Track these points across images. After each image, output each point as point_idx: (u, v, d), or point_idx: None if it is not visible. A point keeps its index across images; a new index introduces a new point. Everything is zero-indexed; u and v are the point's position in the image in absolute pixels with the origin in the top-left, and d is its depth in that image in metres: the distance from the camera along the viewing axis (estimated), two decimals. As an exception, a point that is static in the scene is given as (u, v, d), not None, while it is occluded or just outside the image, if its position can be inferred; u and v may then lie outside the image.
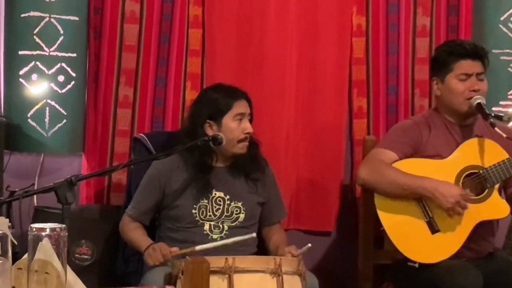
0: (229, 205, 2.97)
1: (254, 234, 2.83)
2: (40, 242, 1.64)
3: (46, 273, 1.63)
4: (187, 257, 2.39)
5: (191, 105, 3.09)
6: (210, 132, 2.93)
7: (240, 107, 2.94)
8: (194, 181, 2.95)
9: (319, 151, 3.70)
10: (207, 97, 3.01)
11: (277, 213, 3.14)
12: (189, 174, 2.96)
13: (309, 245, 2.68)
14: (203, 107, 2.98)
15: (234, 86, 3.03)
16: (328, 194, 3.70)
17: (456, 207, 2.88)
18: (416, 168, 2.99)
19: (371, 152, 3.14)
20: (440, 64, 3.09)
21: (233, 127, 2.92)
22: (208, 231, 2.93)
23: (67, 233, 1.67)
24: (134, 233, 2.97)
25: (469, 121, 3.10)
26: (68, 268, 1.72)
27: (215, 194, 2.97)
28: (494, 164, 2.97)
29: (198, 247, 2.72)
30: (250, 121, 2.98)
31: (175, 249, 2.75)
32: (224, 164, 3.01)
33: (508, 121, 3.06)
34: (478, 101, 2.99)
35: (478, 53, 3.05)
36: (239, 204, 2.98)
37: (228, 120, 2.92)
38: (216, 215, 2.95)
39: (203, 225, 2.93)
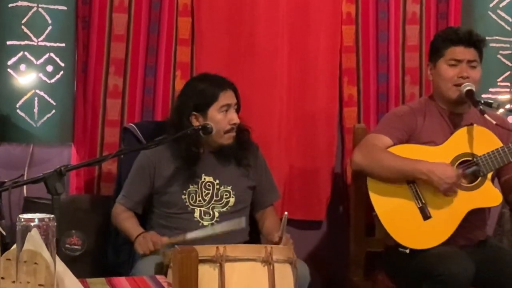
0: (218, 189, 2.96)
1: (243, 223, 2.78)
2: (28, 233, 1.63)
3: (35, 263, 1.62)
4: (176, 246, 2.38)
5: (177, 97, 3.07)
6: (196, 123, 2.90)
7: (226, 98, 2.91)
8: (182, 168, 2.94)
9: (311, 140, 3.69)
10: (193, 88, 2.97)
11: (269, 196, 3.14)
12: (178, 162, 2.95)
13: (286, 213, 2.69)
14: (188, 99, 2.95)
15: (220, 76, 2.99)
16: (320, 182, 3.70)
17: (453, 188, 2.89)
18: (410, 154, 2.99)
19: (366, 137, 3.14)
20: (434, 49, 3.11)
21: (219, 118, 2.89)
22: (198, 218, 2.93)
23: (55, 223, 1.65)
24: (126, 223, 2.96)
25: (462, 109, 3.09)
26: (58, 259, 1.71)
27: (204, 179, 2.97)
28: (488, 153, 2.96)
29: (188, 235, 2.71)
30: (238, 111, 2.96)
31: (165, 239, 2.75)
32: (214, 150, 2.99)
33: (497, 108, 3.07)
34: (468, 88, 2.98)
35: (471, 40, 3.04)
36: (229, 188, 2.97)
37: (214, 112, 2.89)
38: (206, 200, 2.94)
39: (193, 211, 2.93)
